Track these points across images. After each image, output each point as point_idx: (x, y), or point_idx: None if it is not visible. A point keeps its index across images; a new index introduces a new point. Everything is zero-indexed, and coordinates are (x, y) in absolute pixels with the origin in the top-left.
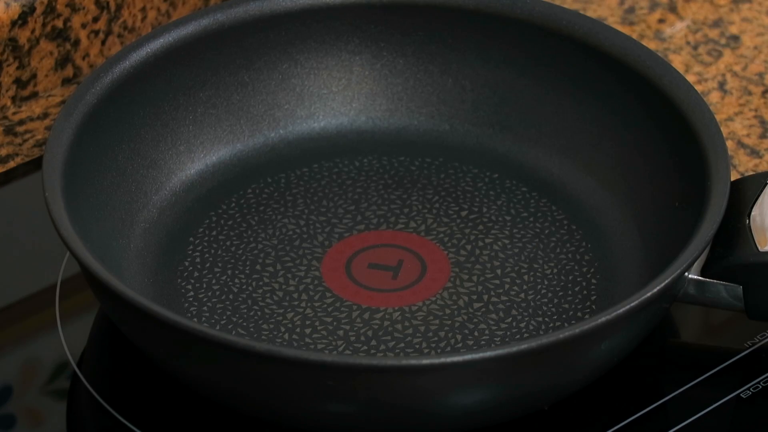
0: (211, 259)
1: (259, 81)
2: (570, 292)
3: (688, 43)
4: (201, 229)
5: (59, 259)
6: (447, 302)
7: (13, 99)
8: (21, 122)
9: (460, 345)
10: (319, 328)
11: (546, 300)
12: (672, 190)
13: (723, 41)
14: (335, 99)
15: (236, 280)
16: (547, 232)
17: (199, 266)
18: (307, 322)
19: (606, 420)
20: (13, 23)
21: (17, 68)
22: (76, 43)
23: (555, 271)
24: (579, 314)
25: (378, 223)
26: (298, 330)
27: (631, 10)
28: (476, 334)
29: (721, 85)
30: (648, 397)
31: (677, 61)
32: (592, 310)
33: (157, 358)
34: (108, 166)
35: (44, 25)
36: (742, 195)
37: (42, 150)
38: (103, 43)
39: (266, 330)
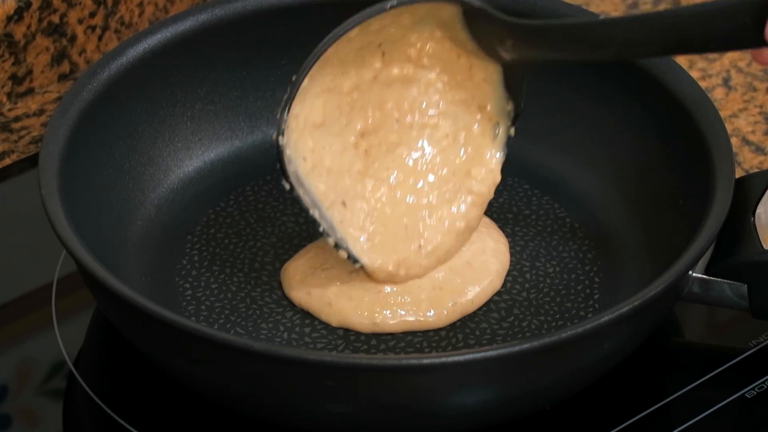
0: (209, 257)
1: (257, 77)
2: (573, 291)
3: None
4: (199, 227)
5: (55, 258)
6: None
7: (9, 95)
8: (17, 119)
9: (461, 344)
10: (318, 327)
11: (548, 299)
12: (676, 188)
13: None
14: None
15: (235, 279)
16: (549, 230)
17: (197, 264)
18: (307, 321)
19: (609, 420)
20: (9, 18)
21: (13, 64)
22: (73, 38)
23: (557, 269)
24: (582, 313)
25: None
26: (297, 329)
27: (634, 5)
28: (478, 333)
29: (726, 81)
30: (651, 396)
31: (681, 58)
32: (595, 309)
33: (154, 358)
34: (105, 164)
35: (40, 20)
36: (747, 192)
37: (38, 147)
38: (99, 38)
39: (265, 329)
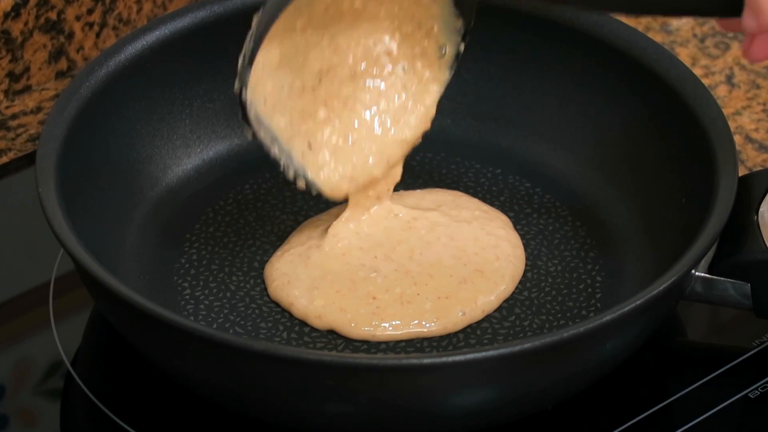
0: (208, 256)
1: None
2: (574, 290)
3: (695, 35)
4: (198, 226)
5: (53, 257)
6: None
7: (6, 93)
8: (14, 116)
9: (462, 344)
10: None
11: (550, 298)
12: (678, 186)
13: (730, 34)
14: None
15: (234, 278)
16: (551, 228)
17: (195, 263)
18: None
19: (611, 421)
20: (6, 15)
21: (10, 61)
22: (70, 35)
23: (559, 268)
24: (583, 312)
25: None
26: (297, 329)
27: None
28: (478, 332)
29: (729, 79)
30: (654, 397)
31: (684, 54)
32: (596, 308)
33: (153, 358)
34: (103, 162)
35: (38, 17)
36: (750, 191)
37: (35, 145)
38: (97, 35)
39: (264, 329)
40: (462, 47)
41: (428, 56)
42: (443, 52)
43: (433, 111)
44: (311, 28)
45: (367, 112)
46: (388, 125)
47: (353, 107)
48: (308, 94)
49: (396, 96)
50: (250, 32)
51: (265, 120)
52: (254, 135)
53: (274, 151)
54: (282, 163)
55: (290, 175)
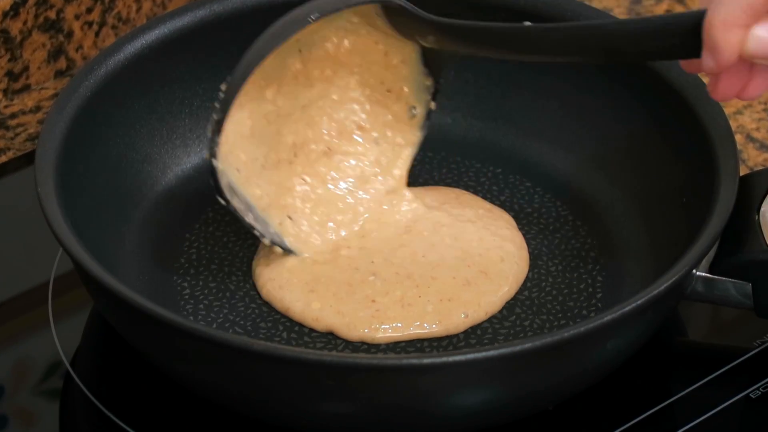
0: (207, 255)
1: None
2: (575, 290)
3: None
4: (197, 225)
5: (52, 256)
6: None
7: (5, 92)
8: (13, 116)
9: (462, 344)
10: None
11: (550, 297)
12: (679, 185)
13: None
14: None
15: (233, 278)
16: (551, 228)
17: (195, 263)
18: None
19: (612, 421)
20: (5, 14)
21: (9, 60)
22: (70, 34)
23: (560, 268)
24: (584, 312)
25: None
26: (296, 329)
27: (637, 0)
28: (479, 332)
29: None
30: (655, 397)
31: None
32: (597, 308)
33: (152, 358)
34: (102, 161)
35: (37, 16)
36: (752, 190)
37: (34, 144)
38: (96, 34)
39: (264, 329)
40: (433, 105)
41: (400, 121)
42: (413, 113)
43: (406, 172)
44: (281, 96)
45: (345, 186)
46: (367, 197)
47: (330, 182)
48: (284, 167)
49: (371, 167)
50: (218, 100)
51: (239, 189)
52: (227, 203)
53: (249, 219)
54: (258, 230)
55: (266, 242)
